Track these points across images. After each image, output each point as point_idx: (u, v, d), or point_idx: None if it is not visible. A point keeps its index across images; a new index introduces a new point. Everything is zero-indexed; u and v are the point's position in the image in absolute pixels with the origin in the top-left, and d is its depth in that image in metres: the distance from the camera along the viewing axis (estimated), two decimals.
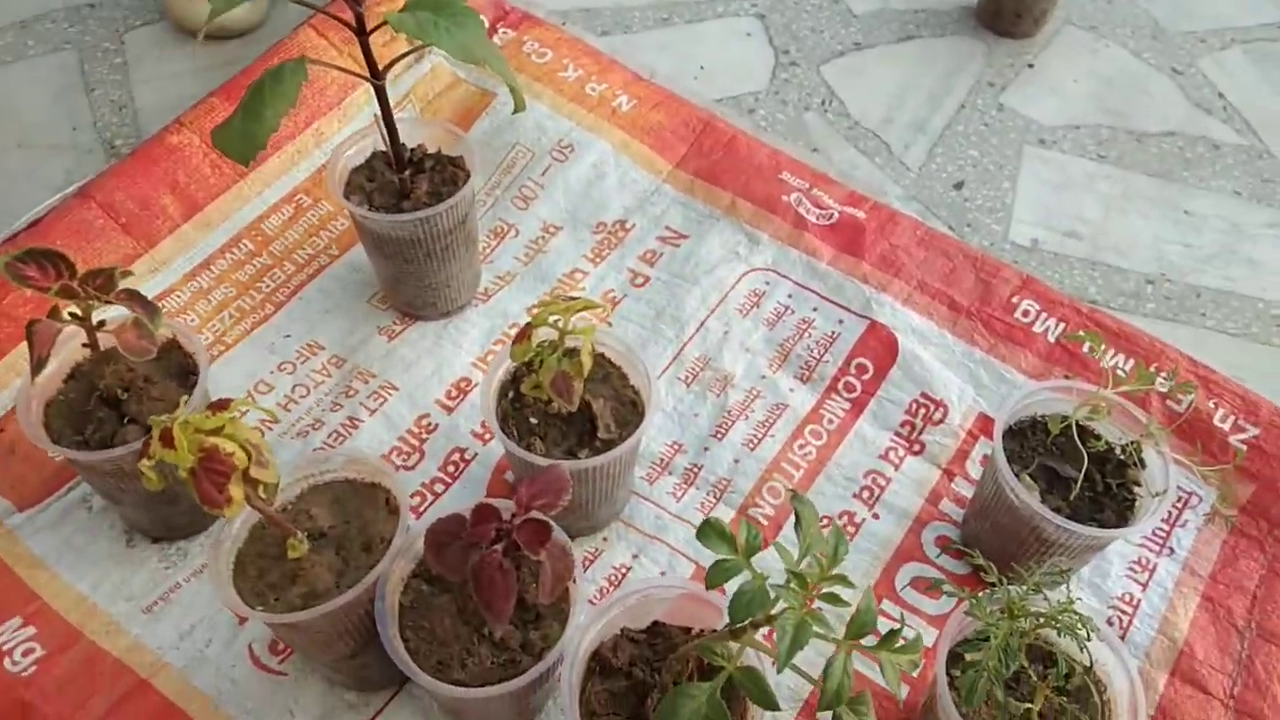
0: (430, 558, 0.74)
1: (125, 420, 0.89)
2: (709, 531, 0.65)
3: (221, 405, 0.73)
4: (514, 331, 1.13)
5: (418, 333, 1.13)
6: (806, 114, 1.43)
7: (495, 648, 0.78)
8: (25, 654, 0.88)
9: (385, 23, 0.87)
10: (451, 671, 0.76)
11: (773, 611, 0.64)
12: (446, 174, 1.07)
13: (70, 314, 0.82)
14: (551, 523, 0.73)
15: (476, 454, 1.05)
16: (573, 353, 0.87)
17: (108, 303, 0.81)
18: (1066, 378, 1.08)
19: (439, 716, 0.88)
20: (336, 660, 0.83)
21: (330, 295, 1.16)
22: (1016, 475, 0.90)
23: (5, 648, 0.88)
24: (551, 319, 0.83)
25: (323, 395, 1.08)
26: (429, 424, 1.06)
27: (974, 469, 1.06)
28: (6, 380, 1.04)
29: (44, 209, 1.15)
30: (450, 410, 1.07)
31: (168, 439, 0.71)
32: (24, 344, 1.03)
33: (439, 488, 1.02)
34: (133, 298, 0.83)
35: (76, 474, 1.00)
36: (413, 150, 1.07)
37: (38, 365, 0.80)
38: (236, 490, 0.73)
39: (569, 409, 0.86)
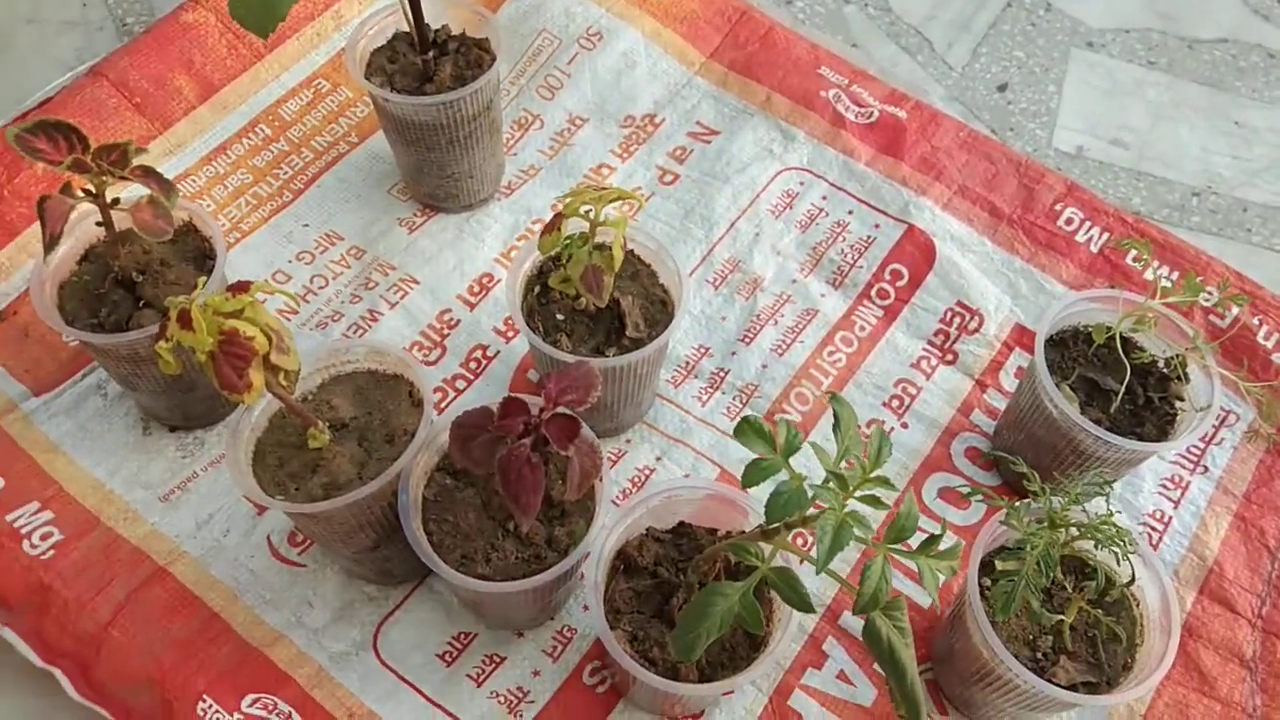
0: (455, 451, 0.73)
1: (141, 303, 0.86)
2: (747, 429, 0.62)
3: (241, 287, 0.71)
4: (538, 227, 1.10)
5: (439, 225, 1.10)
6: (847, 7, 1.36)
7: (520, 543, 0.76)
8: (43, 538, 0.88)
9: None
10: (476, 566, 0.75)
11: (808, 513, 0.63)
12: (471, 57, 1.02)
13: (84, 190, 0.79)
14: (580, 419, 0.71)
15: (499, 351, 1.02)
16: (603, 246, 0.84)
17: (122, 179, 0.78)
18: (1111, 287, 1.04)
19: (460, 611, 0.88)
20: (357, 552, 0.82)
21: (349, 184, 1.12)
22: (1056, 386, 0.87)
23: (24, 530, 0.88)
24: (583, 209, 0.79)
25: (342, 286, 1.05)
26: (451, 319, 1.04)
27: (1008, 381, 1.03)
28: (20, 261, 1.02)
29: (54, 88, 1.11)
30: (472, 306, 1.05)
31: (186, 321, 0.68)
32: (37, 223, 1.01)
33: (460, 384, 1.00)
34: (148, 174, 0.79)
35: (91, 359, 0.98)
36: (437, 31, 1.02)
37: (50, 243, 0.77)
38: (257, 375, 0.70)
39: (598, 305, 0.83)
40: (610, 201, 0.79)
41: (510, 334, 1.03)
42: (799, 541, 0.87)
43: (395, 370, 0.84)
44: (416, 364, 0.82)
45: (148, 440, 0.95)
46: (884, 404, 1.01)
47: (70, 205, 0.77)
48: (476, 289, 1.06)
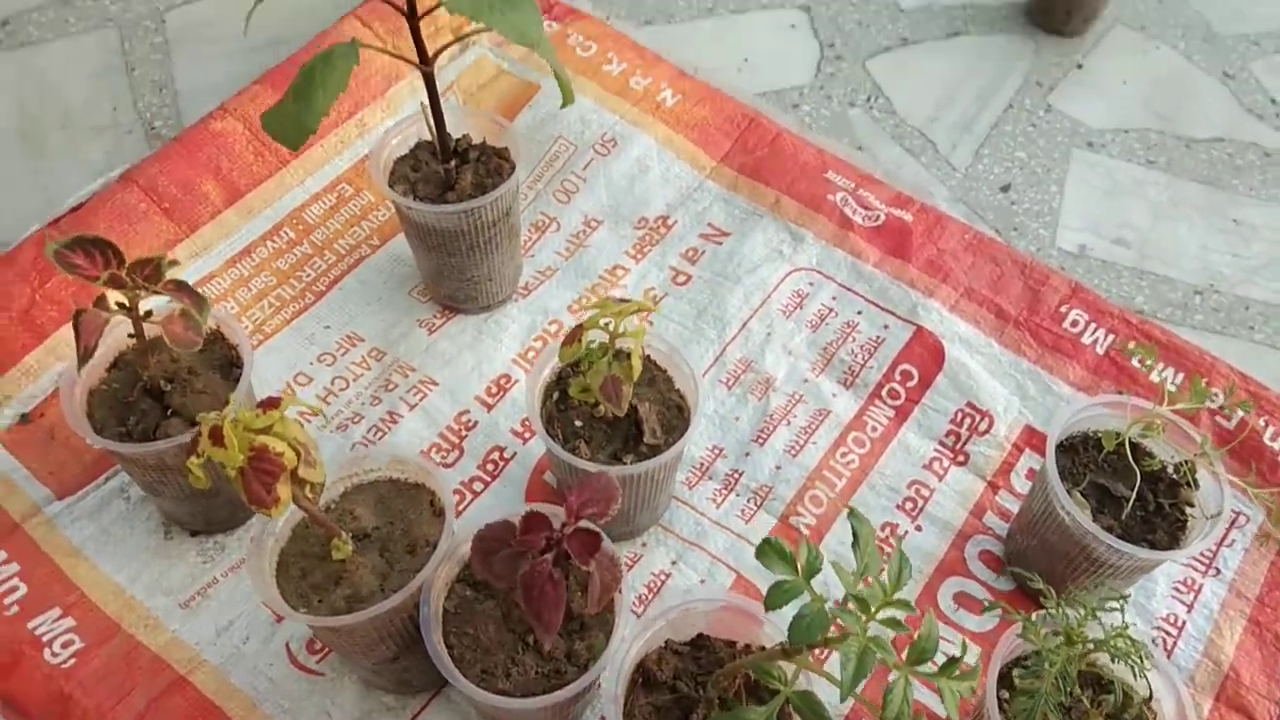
0: (477, 565, 0.73)
1: (169, 412, 0.88)
2: (769, 552, 0.63)
3: (272, 403, 0.72)
4: (554, 328, 1.13)
5: (458, 327, 1.12)
6: (851, 110, 1.40)
7: (540, 657, 0.77)
8: (64, 645, 0.88)
9: (434, 8, 0.85)
10: (496, 680, 0.75)
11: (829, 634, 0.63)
12: (491, 165, 1.06)
13: (118, 304, 0.81)
14: (601, 532, 0.72)
15: (516, 453, 1.04)
16: (621, 355, 0.86)
17: (155, 293, 0.80)
18: (1119, 392, 1.06)
19: (475, 718, 0.88)
20: (377, 663, 0.83)
21: (371, 286, 1.15)
22: (1068, 492, 0.89)
23: (45, 639, 0.88)
24: (603, 322, 0.82)
25: (362, 389, 1.07)
26: (469, 420, 1.05)
27: (1019, 482, 1.04)
28: (48, 364, 1.04)
29: (87, 193, 1.14)
30: (490, 407, 1.06)
31: (218, 437, 0.70)
32: (67, 328, 1.04)
33: (478, 486, 1.01)
34: (181, 289, 0.82)
35: (114, 463, 0.99)
36: (458, 140, 1.06)
37: (84, 356, 0.79)
38: (284, 490, 0.72)
39: (618, 414, 0.85)
40: (629, 314, 0.81)
41: (527, 435, 1.05)
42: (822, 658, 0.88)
43: (417, 479, 0.85)
44: (438, 472, 0.83)
45: (169, 545, 0.96)
46: (898, 506, 1.02)
47: (105, 319, 0.80)
48: (494, 390, 1.08)
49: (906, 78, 1.45)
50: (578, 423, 0.90)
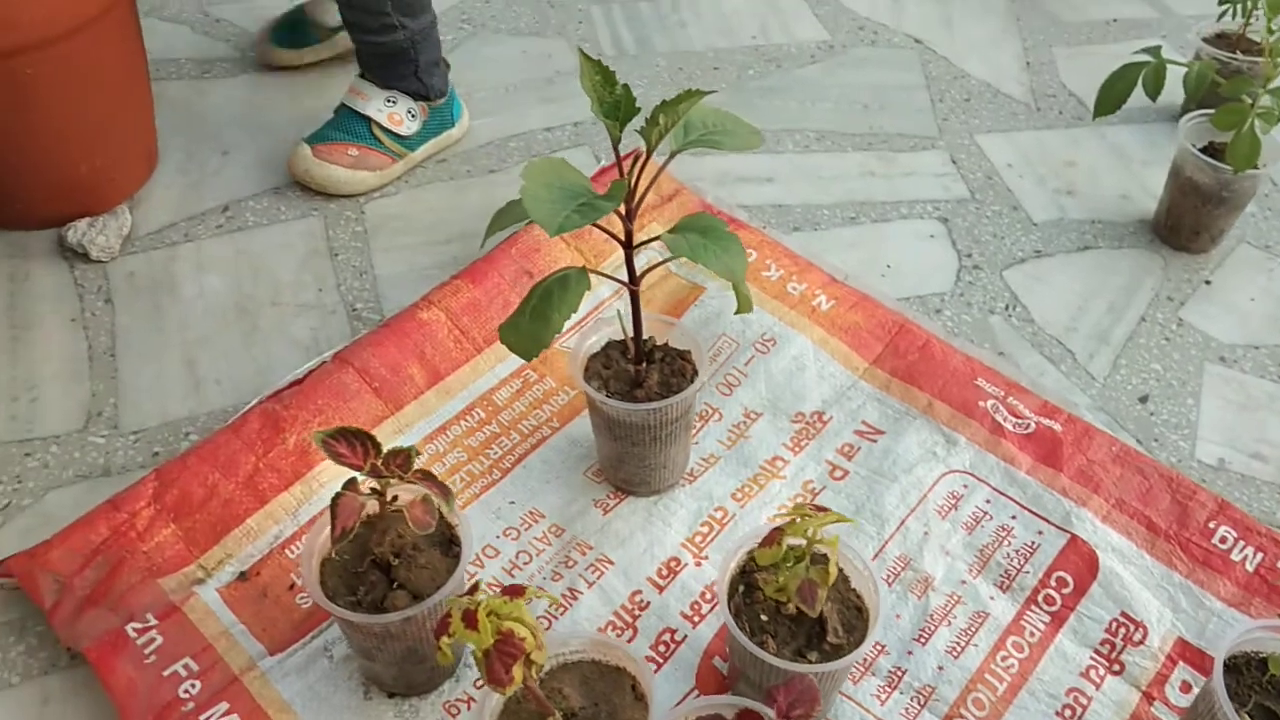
0: None
1: (394, 584, 0.97)
2: None
3: (516, 591, 0.81)
4: (719, 514, 1.20)
5: (630, 508, 1.21)
6: (991, 317, 1.49)
7: None
8: None
9: (648, 241, 0.98)
10: None
11: None
12: (675, 366, 1.16)
13: (371, 489, 0.92)
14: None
15: (686, 636, 1.10)
16: (816, 558, 0.93)
17: (407, 482, 0.91)
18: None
19: None
20: None
21: (551, 465, 1.25)
22: (1236, 713, 0.91)
23: None
24: (807, 530, 0.89)
25: (544, 564, 1.15)
26: (642, 601, 1.12)
27: (1173, 694, 1.07)
28: (265, 527, 1.15)
29: (303, 371, 1.28)
30: (661, 589, 1.13)
31: (470, 620, 0.79)
32: (286, 494, 1.16)
33: (651, 668, 1.07)
34: (428, 479, 0.92)
35: (320, 622, 1.08)
36: (644, 342, 1.17)
37: (340, 536, 0.89)
38: (519, 671, 0.80)
39: (811, 615, 0.91)
40: (829, 524, 0.89)
41: (697, 619, 1.11)
42: None
43: (619, 663, 0.92)
44: (642, 661, 0.90)
45: (368, 705, 1.03)
46: (1057, 713, 1.05)
47: (361, 504, 0.90)
48: (665, 572, 1.15)
49: (1042, 288, 1.54)
50: (763, 617, 0.96)
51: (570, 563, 1.15)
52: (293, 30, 1.87)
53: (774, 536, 0.92)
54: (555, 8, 2.09)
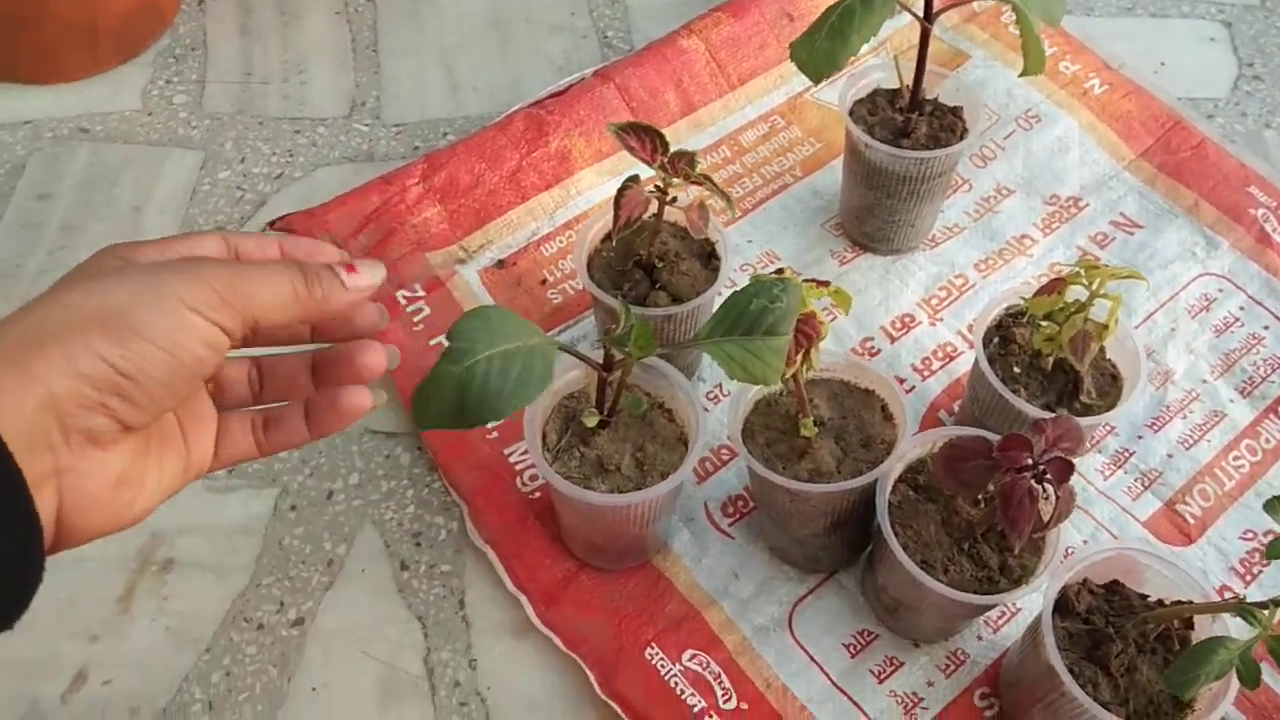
0: (941, 469, 0.82)
1: (656, 285, 1.01)
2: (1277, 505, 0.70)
3: (823, 284, 0.84)
4: (960, 282, 1.19)
5: (867, 263, 1.21)
6: (1267, 131, 1.39)
7: (974, 563, 0.85)
8: (532, 479, 1.03)
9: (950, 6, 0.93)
10: (934, 572, 0.84)
11: None
12: (945, 121, 1.13)
13: (656, 187, 0.94)
14: (1075, 464, 0.79)
15: (914, 387, 1.12)
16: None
17: (694, 183, 0.92)
18: None
19: (863, 609, 0.97)
20: (805, 535, 0.93)
21: (790, 213, 1.25)
22: None
23: (518, 466, 1.04)
24: (1092, 283, 0.88)
25: None
26: (872, 347, 1.14)
27: None
28: (524, 222, 1.20)
29: (565, 83, 1.29)
30: (893, 339, 1.15)
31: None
32: (545, 193, 1.20)
33: (902, 390, 1.08)
34: (708, 182, 0.93)
35: (569, 318, 1.14)
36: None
37: (624, 226, 0.92)
38: (814, 358, 0.84)
39: (1079, 368, 0.91)
40: (1119, 278, 0.87)
41: (926, 374, 1.13)
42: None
43: (870, 386, 0.94)
44: (894, 383, 0.92)
45: None
46: None
47: (647, 198, 0.92)
48: (899, 325, 1.16)
49: None
50: (1016, 369, 0.97)
51: None
52: None
53: (1054, 285, 0.91)
54: None
